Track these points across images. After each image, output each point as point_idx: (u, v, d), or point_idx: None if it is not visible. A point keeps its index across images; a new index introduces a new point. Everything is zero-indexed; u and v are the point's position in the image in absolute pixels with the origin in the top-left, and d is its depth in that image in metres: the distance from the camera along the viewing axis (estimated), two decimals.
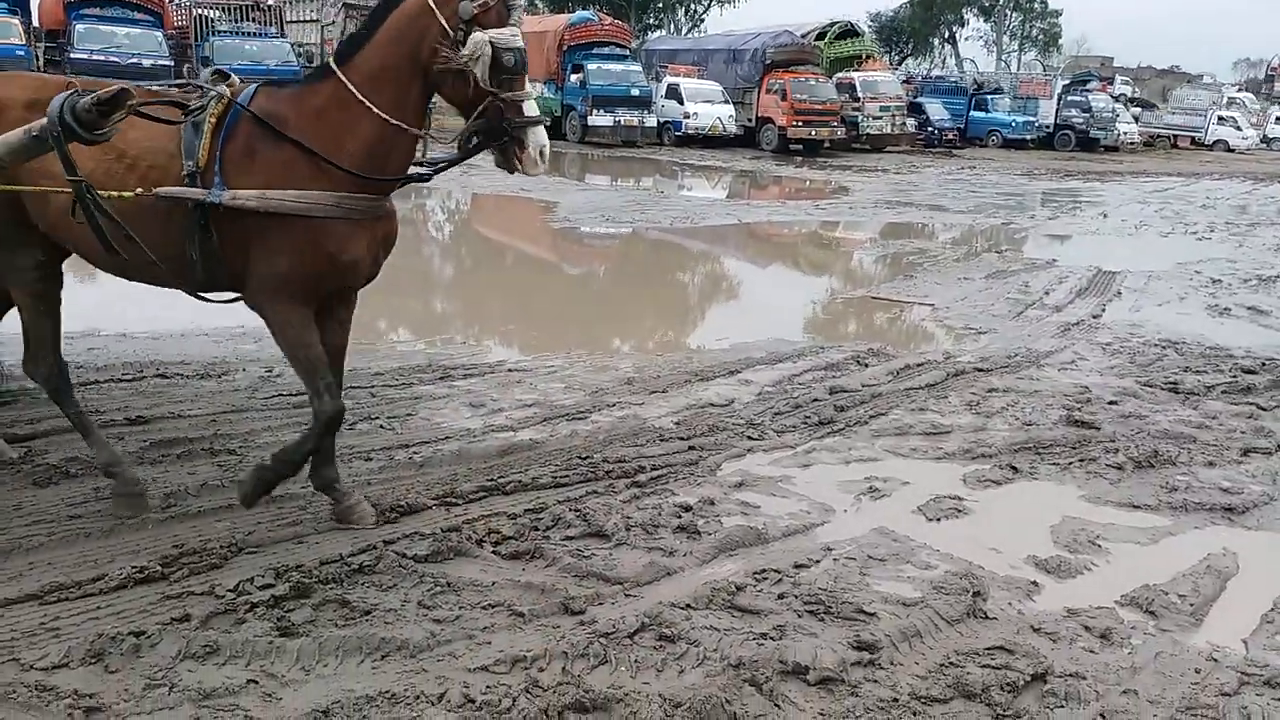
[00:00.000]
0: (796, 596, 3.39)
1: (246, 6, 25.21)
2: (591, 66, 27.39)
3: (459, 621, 3.08)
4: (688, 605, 3.25)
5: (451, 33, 3.17)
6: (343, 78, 3.24)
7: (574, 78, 27.56)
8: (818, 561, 3.70)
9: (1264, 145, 42.15)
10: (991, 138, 35.17)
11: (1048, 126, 35.87)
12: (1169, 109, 44.29)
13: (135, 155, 3.31)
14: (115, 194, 3.15)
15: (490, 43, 3.15)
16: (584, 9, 35.33)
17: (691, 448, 4.82)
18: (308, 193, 3.21)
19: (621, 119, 26.96)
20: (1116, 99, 39.79)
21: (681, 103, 28.31)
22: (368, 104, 3.22)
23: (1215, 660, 3.18)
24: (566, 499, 4.05)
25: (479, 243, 13.32)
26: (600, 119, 26.80)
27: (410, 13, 3.22)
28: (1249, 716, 2.87)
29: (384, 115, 3.23)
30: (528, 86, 3.29)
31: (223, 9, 25.21)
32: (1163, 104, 46.37)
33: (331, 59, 3.33)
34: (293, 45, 24.82)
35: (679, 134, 28.05)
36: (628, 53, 30.22)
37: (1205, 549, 4.00)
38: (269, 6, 25.85)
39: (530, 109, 3.30)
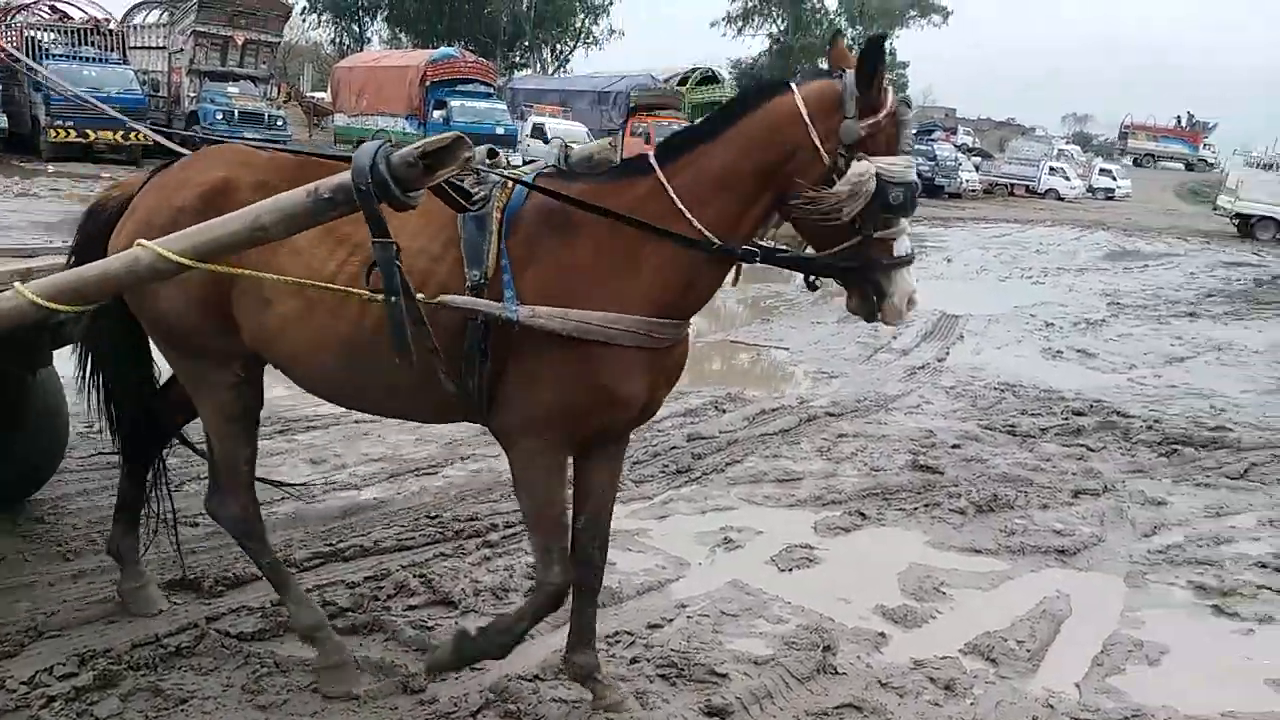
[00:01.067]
0: (649, 660, 3.32)
1: (85, 30, 23.86)
2: (455, 103, 27.24)
3: (287, 707, 2.87)
4: (536, 677, 3.12)
5: (827, 158, 2.51)
6: (662, 179, 2.59)
7: (437, 114, 27.28)
8: (671, 620, 3.64)
9: (1089, 194, 45.43)
10: None
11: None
12: (1006, 159, 47.22)
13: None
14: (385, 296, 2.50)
15: (878, 176, 2.48)
16: (448, 45, 35.15)
17: None
18: (619, 316, 2.56)
19: None
20: (959, 148, 42.14)
21: (547, 142, 28.42)
22: (689, 217, 2.56)
23: (1051, 707, 3.28)
24: (411, 563, 3.88)
25: None
26: None
27: (775, 121, 2.55)
28: None
29: (707, 233, 2.57)
30: (904, 222, 2.61)
31: (58, 31, 23.80)
32: (1000, 154, 49.41)
33: (652, 154, 2.68)
34: (137, 73, 23.64)
35: None
36: (492, 91, 30.19)
37: (1041, 593, 4.15)
38: (110, 31, 24.52)
39: (902, 247, 2.60)
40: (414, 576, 3.74)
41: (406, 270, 2.41)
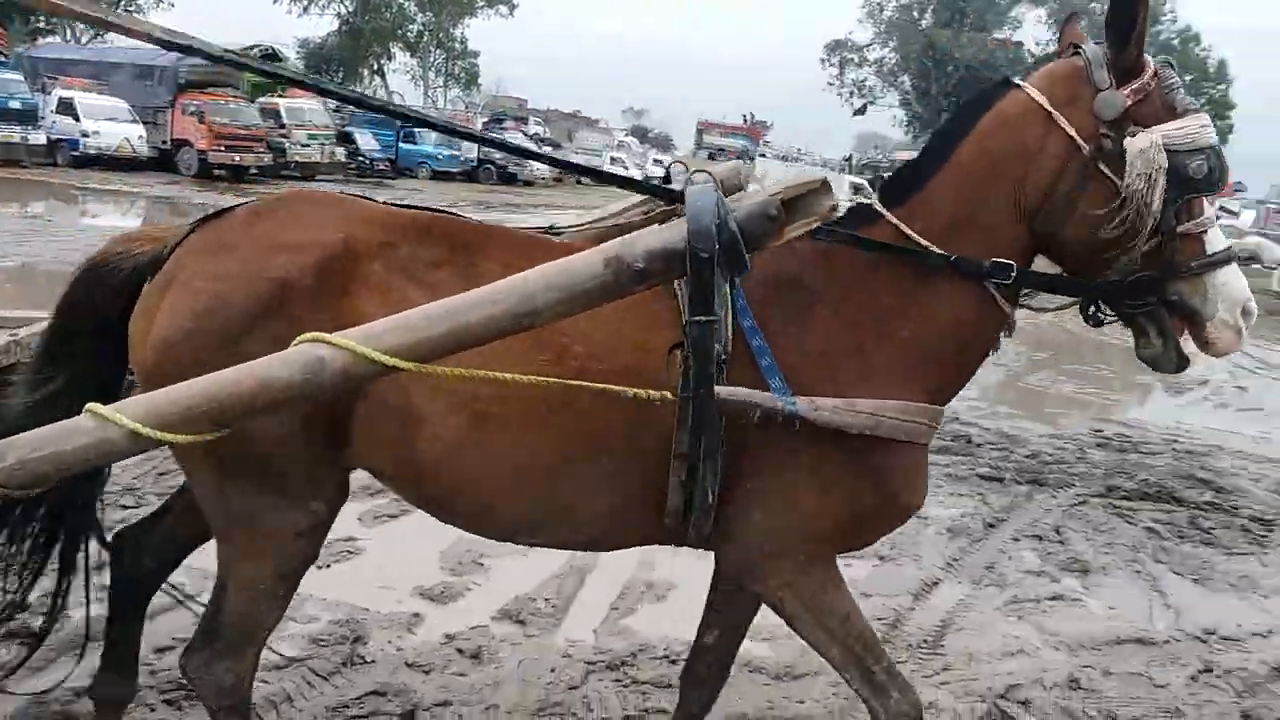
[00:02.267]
0: (153, 688, 3.05)
1: None
2: None
3: None
4: None
5: (1087, 146, 2.00)
6: (899, 225, 2.09)
7: None
8: (185, 640, 3.37)
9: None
10: (421, 169, 36.53)
11: (472, 160, 38.26)
12: (574, 148, 49.96)
13: (588, 334, 2.04)
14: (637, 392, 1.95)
15: (1166, 148, 1.95)
16: None
17: None
18: (910, 405, 2.04)
19: None
20: (531, 138, 43.82)
21: (78, 119, 24.99)
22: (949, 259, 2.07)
23: (569, 656, 3.53)
24: None
25: None
26: None
27: (1008, 121, 2.06)
28: (589, 705, 3.22)
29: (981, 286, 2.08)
30: (1210, 207, 2.06)
31: None
32: (568, 143, 52.18)
33: (877, 198, 2.18)
34: None
35: (77, 154, 24.72)
36: (4, 59, 25.87)
37: (569, 551, 4.44)
38: None
39: (1216, 240, 2.03)
40: None
41: (605, 361, 2.02)
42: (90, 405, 1.68)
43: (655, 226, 1.85)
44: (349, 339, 1.66)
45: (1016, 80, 2.10)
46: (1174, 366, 2.09)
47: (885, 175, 2.80)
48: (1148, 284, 2.02)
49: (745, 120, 76.64)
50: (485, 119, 41.39)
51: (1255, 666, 3.98)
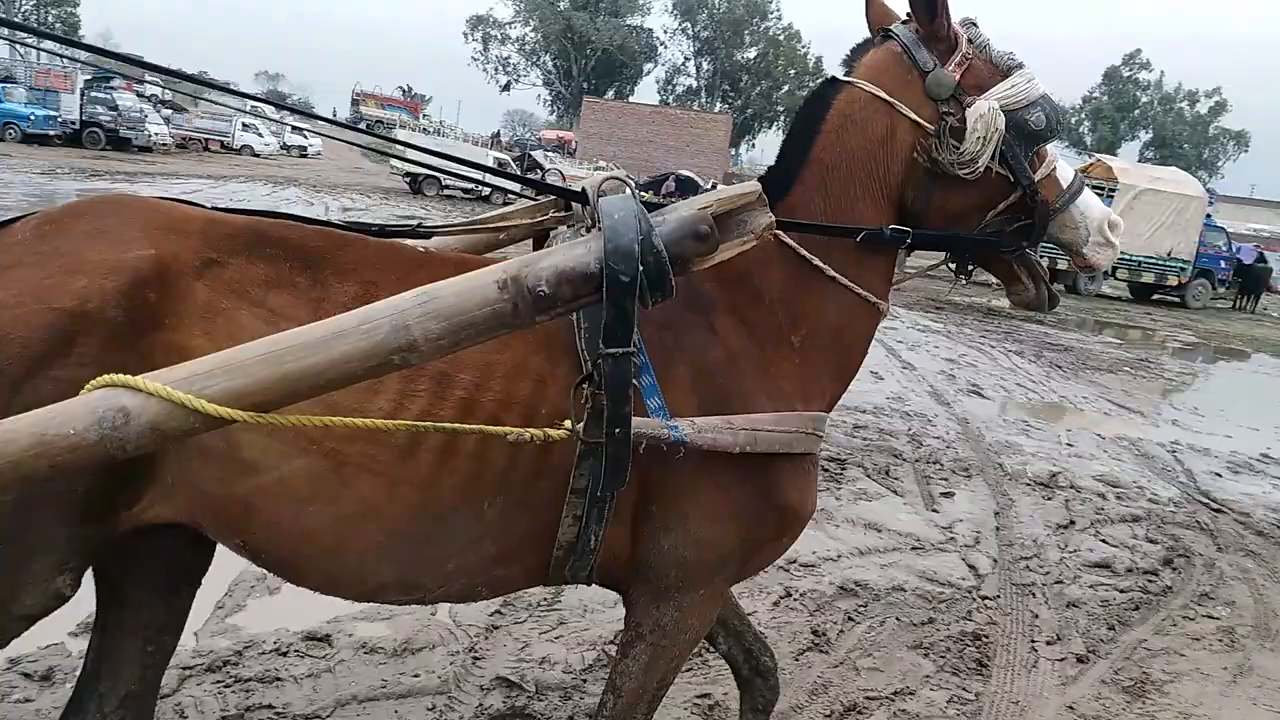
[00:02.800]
0: None
1: None
2: None
3: None
4: None
5: (933, 125, 2.03)
6: (783, 236, 2.01)
7: None
8: None
9: (284, 151, 46.63)
10: (9, 131, 31.62)
11: (74, 122, 33.75)
12: (199, 113, 45.71)
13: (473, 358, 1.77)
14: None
15: (1004, 109, 2.02)
16: None
17: None
18: (790, 415, 1.95)
19: None
20: (147, 99, 39.42)
21: None
22: (828, 271, 2.06)
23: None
24: None
25: None
26: None
27: (854, 119, 2.05)
28: (183, 711, 3.00)
29: (852, 287, 2.07)
30: (1053, 148, 2.15)
31: None
32: (194, 107, 47.65)
33: None
34: None
35: None
36: None
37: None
38: None
39: (1065, 174, 2.14)
40: None
41: (494, 391, 1.79)
42: None
43: (561, 244, 1.62)
44: (161, 382, 1.32)
45: (844, 78, 2.13)
46: (1048, 306, 2.24)
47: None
48: (1025, 230, 2.12)
49: (403, 93, 74.56)
50: (88, 76, 36.55)
51: (825, 588, 4.58)
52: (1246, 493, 7.39)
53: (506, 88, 75.19)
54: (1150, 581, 5.23)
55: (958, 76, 2.05)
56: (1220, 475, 7.87)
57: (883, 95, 2.05)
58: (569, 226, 2.16)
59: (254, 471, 1.72)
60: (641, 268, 1.49)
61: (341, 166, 43.49)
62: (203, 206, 1.95)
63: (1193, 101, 79.43)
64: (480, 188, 31.68)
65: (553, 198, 2.31)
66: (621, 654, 2.13)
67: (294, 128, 50.25)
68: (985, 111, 2.01)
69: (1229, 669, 4.28)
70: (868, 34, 2.20)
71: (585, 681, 3.51)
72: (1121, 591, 5.02)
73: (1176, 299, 26.97)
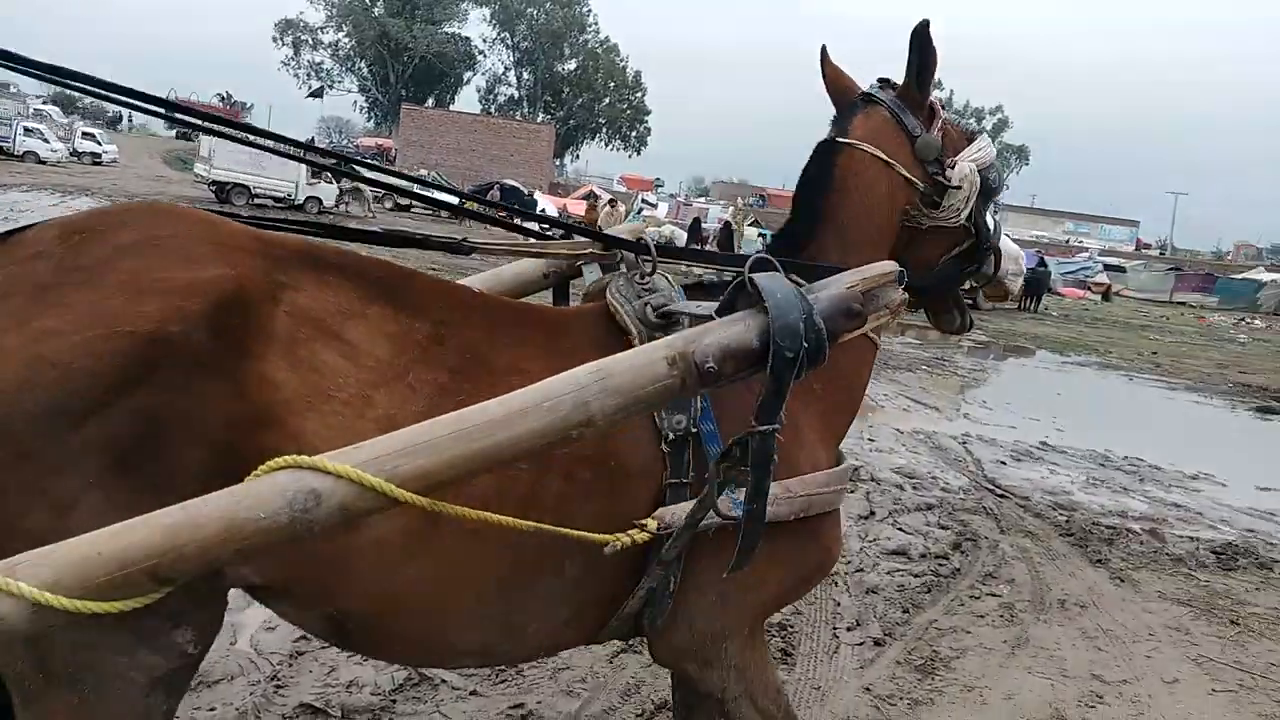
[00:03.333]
0: None
1: None
2: None
3: None
4: None
5: (924, 184, 2.23)
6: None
7: None
8: None
9: (74, 158, 43.25)
10: None
11: None
12: None
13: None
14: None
15: (978, 169, 2.27)
16: None
17: None
18: (833, 473, 2.02)
19: None
20: None
21: None
22: None
23: None
24: None
25: None
26: None
27: (864, 178, 2.18)
28: None
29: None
30: None
31: None
32: None
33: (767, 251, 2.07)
34: None
35: None
36: None
37: None
38: None
39: (991, 219, 2.39)
40: None
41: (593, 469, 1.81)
42: None
43: (715, 321, 1.61)
44: (348, 463, 1.30)
45: (843, 139, 2.24)
46: (969, 328, 2.53)
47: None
48: (972, 269, 2.40)
49: (222, 100, 70.69)
50: None
51: None
52: (1027, 478, 8.04)
53: (318, 93, 72.52)
54: (941, 565, 5.61)
55: (940, 139, 2.25)
56: (1004, 463, 8.54)
57: (883, 157, 2.21)
58: (595, 264, 2.27)
59: (356, 531, 1.61)
60: (805, 345, 1.54)
61: (141, 174, 40.70)
62: (239, 218, 1.85)
63: (979, 118, 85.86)
64: (292, 196, 30.42)
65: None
66: (727, 716, 2.11)
67: (85, 134, 46.80)
68: (967, 172, 2.25)
69: (1008, 642, 4.64)
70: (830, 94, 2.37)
71: (395, 702, 3.44)
72: (916, 576, 5.36)
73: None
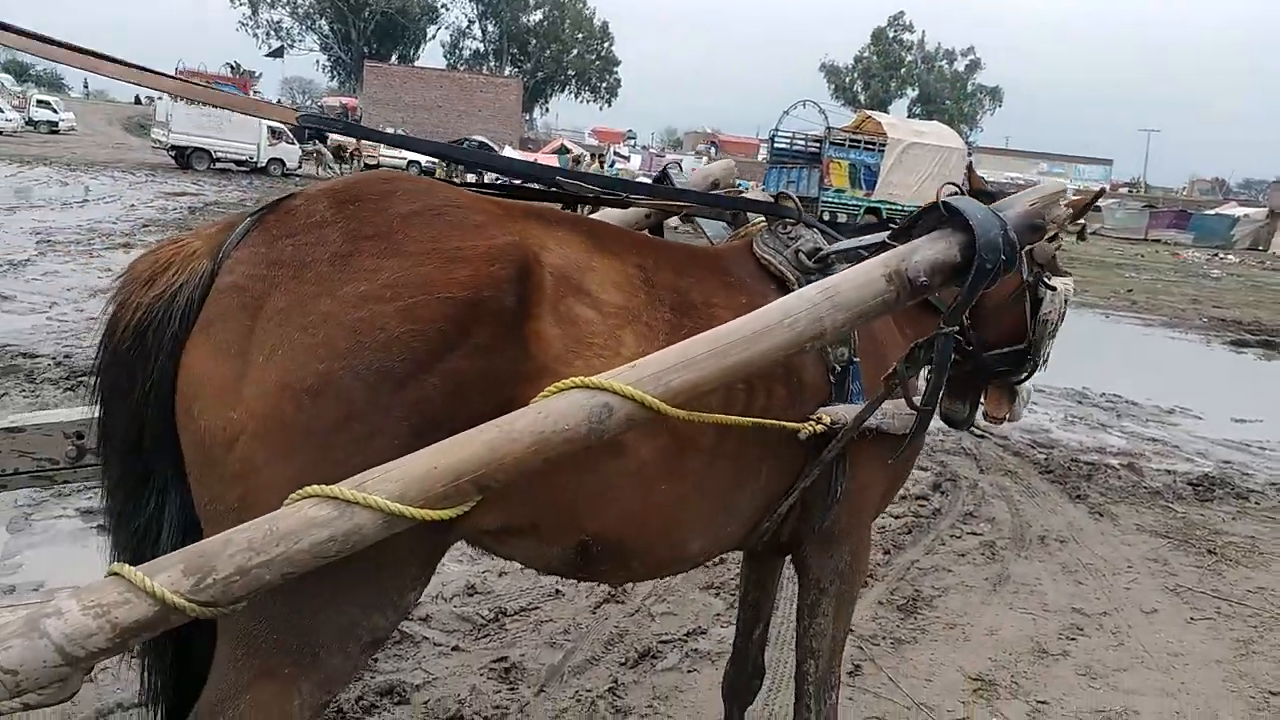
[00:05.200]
0: None
1: None
2: None
3: None
4: None
5: (1029, 277, 2.46)
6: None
7: None
8: None
9: (30, 127, 42.25)
10: None
11: None
12: None
13: None
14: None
15: (1066, 300, 2.47)
16: None
17: None
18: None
19: None
20: None
21: None
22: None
23: None
24: None
25: None
26: None
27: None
28: None
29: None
30: None
31: None
32: None
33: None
34: None
35: None
36: None
37: None
38: None
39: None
40: None
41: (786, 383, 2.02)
42: (314, 489, 1.36)
43: (921, 239, 1.79)
44: (623, 380, 1.48)
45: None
46: (969, 426, 2.69)
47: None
48: (1012, 371, 2.55)
49: (232, 70, 69.34)
50: None
51: None
52: None
53: (278, 53, 71.00)
54: (922, 506, 5.62)
55: (1051, 257, 2.51)
56: None
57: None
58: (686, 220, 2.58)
59: (619, 455, 1.76)
60: (1003, 257, 1.73)
61: (100, 142, 39.84)
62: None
63: (951, 60, 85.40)
64: (254, 159, 29.86)
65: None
66: (809, 617, 2.31)
67: (39, 101, 45.74)
68: (1061, 291, 2.47)
69: (989, 579, 4.66)
70: None
71: (376, 660, 3.39)
72: (896, 518, 5.37)
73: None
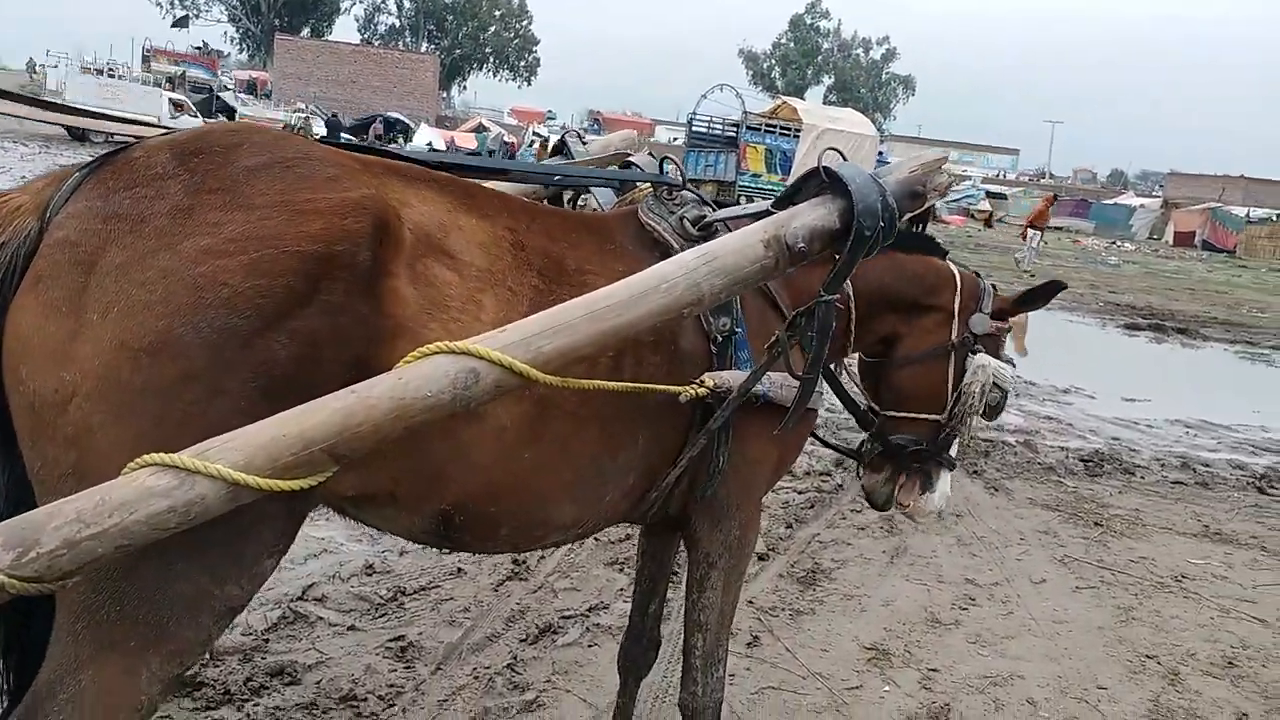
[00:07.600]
0: None
1: None
2: None
3: None
4: None
5: (954, 335, 2.48)
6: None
7: None
8: None
9: None
10: None
11: None
12: None
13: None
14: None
15: (995, 379, 2.43)
16: None
17: None
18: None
19: None
20: None
21: None
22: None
23: None
24: None
25: None
26: None
27: (940, 276, 2.53)
28: None
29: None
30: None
31: None
32: None
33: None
34: None
35: None
36: None
37: None
38: None
39: (955, 450, 2.54)
40: None
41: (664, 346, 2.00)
42: (153, 456, 1.29)
43: (802, 205, 1.77)
44: (493, 345, 1.42)
45: (949, 261, 2.57)
46: (883, 506, 2.62)
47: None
48: (923, 452, 2.49)
49: (201, 50, 66.12)
50: None
51: None
52: None
53: (182, 23, 68.30)
54: (824, 482, 5.72)
55: (990, 330, 2.52)
56: None
57: (957, 281, 2.54)
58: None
59: (478, 420, 1.70)
60: (881, 224, 1.71)
61: None
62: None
63: (867, 49, 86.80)
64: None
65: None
66: (697, 591, 2.28)
67: None
68: (986, 365, 2.44)
69: (887, 552, 4.78)
70: None
71: (268, 641, 3.32)
72: (800, 493, 5.46)
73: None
